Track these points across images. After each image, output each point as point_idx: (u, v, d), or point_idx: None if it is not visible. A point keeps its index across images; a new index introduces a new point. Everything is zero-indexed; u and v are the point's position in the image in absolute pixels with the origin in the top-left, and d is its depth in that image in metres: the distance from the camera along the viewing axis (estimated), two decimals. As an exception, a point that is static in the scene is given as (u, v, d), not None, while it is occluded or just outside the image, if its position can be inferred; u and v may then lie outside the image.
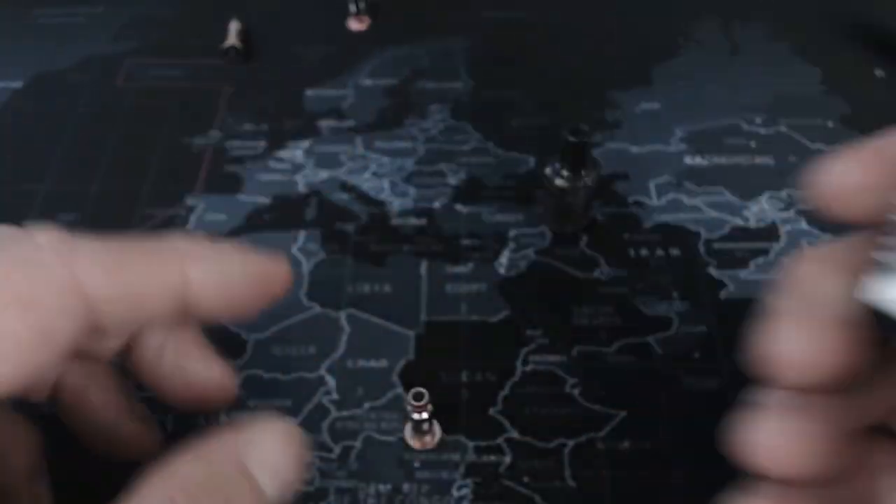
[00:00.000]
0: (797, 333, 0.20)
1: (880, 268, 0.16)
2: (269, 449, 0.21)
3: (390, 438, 0.30)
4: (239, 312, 0.23)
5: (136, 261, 0.21)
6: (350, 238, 0.37)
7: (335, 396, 0.31)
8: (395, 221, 0.38)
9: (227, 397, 0.25)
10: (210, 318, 0.23)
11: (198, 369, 0.24)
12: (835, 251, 0.20)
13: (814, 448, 0.20)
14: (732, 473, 0.29)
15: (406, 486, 0.29)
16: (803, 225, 0.37)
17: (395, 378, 0.32)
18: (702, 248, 0.37)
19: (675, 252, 0.36)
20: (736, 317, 0.34)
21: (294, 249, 0.37)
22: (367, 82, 0.45)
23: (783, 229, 0.37)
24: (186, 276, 0.21)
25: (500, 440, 0.30)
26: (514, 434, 0.30)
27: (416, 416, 0.27)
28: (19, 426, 0.23)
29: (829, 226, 0.37)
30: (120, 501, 0.18)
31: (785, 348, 0.20)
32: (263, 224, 0.38)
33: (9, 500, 0.23)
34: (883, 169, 0.18)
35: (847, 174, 0.19)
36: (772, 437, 0.21)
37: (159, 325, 0.23)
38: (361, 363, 0.33)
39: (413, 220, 0.38)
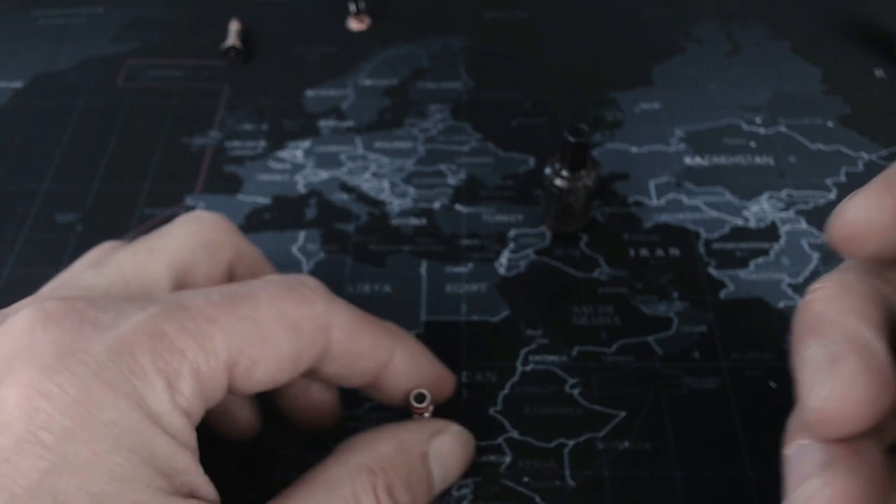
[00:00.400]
0: (847, 384, 0.19)
1: None
2: (448, 447, 0.26)
3: (390, 438, 0.30)
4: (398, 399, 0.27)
5: (368, 329, 0.25)
6: (350, 238, 0.37)
7: (335, 396, 0.31)
8: (395, 221, 0.38)
9: (335, 421, 0.29)
10: (390, 399, 0.27)
11: (321, 392, 0.28)
12: (845, 286, 0.20)
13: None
14: (732, 473, 0.29)
15: (406, 486, 0.29)
16: (803, 225, 0.37)
17: (395, 378, 0.32)
18: (702, 248, 0.37)
19: (674, 252, 0.36)
20: (736, 317, 0.34)
21: (294, 249, 0.37)
22: (367, 82, 0.45)
23: (783, 229, 0.37)
24: (393, 356, 0.26)
25: (500, 440, 0.30)
26: (514, 434, 0.30)
27: (417, 417, 0.27)
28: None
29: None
30: (328, 460, 0.23)
31: (839, 405, 0.19)
32: (263, 224, 0.38)
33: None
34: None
35: (863, 215, 0.19)
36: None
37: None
38: (361, 363, 0.33)
39: (413, 220, 0.38)
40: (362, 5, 0.48)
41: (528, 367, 0.32)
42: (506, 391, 0.32)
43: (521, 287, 0.35)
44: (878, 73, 0.45)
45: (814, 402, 0.19)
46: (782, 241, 0.37)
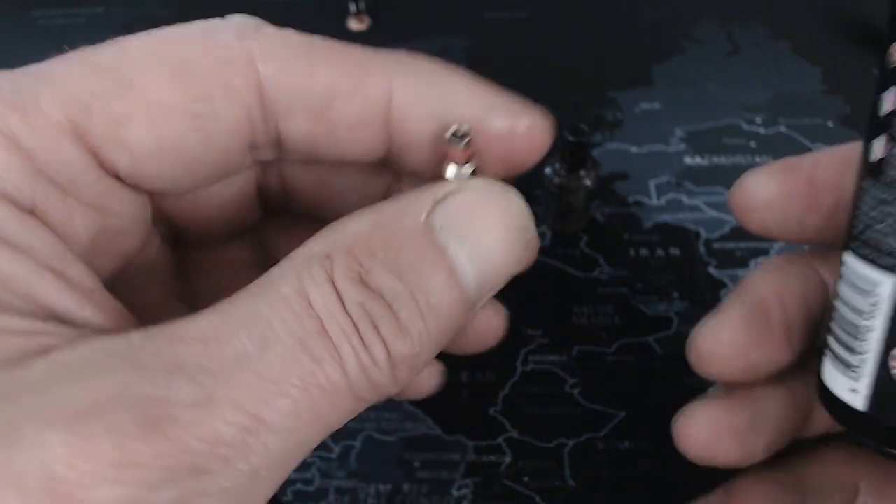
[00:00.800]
0: (723, 329, 0.20)
1: (826, 354, 0.17)
2: (471, 209, 0.16)
3: (390, 438, 0.30)
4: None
5: (330, 55, 0.17)
6: (350, 238, 0.37)
7: (335, 396, 0.31)
8: (395, 221, 0.38)
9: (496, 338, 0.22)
10: (416, 161, 0.18)
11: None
12: (781, 263, 0.21)
13: (741, 439, 0.20)
14: (731, 473, 0.29)
15: (406, 486, 0.29)
16: (803, 225, 0.37)
17: (395, 378, 0.32)
18: (702, 248, 0.37)
19: (674, 252, 0.36)
20: (736, 317, 0.34)
21: (294, 249, 0.37)
22: (367, 82, 0.45)
23: (783, 229, 0.37)
24: (389, 92, 0.17)
25: (500, 440, 0.30)
26: (514, 434, 0.30)
27: (452, 171, 0.18)
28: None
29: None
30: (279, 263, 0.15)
31: (708, 342, 0.20)
32: (263, 224, 0.38)
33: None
34: (795, 187, 0.19)
35: (760, 188, 0.20)
36: (701, 427, 0.22)
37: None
38: (361, 363, 0.33)
39: (413, 220, 0.38)
40: (362, 5, 0.48)
41: (528, 367, 0.32)
42: (506, 391, 0.32)
43: (521, 287, 0.35)
44: (878, 73, 0.45)
45: (690, 339, 0.21)
46: (782, 241, 0.37)
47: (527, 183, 0.40)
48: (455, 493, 0.28)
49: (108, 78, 0.16)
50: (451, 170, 0.17)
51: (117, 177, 0.16)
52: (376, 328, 0.15)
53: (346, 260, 0.15)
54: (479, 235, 0.16)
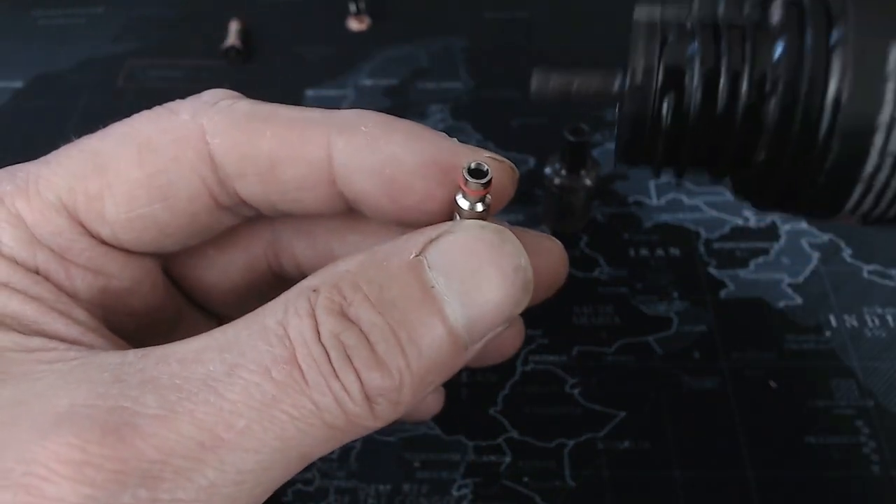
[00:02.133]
0: None
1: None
2: (465, 249, 0.16)
3: (390, 438, 0.30)
4: (407, 209, 0.18)
5: (271, 125, 0.18)
6: (350, 238, 0.37)
7: (335, 396, 0.31)
8: (395, 221, 0.38)
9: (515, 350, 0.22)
10: (374, 212, 0.19)
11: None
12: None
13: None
14: (732, 473, 0.29)
15: (406, 486, 0.29)
16: (803, 224, 0.37)
17: (395, 378, 0.32)
18: (702, 248, 0.37)
19: (674, 252, 0.36)
20: (736, 317, 0.34)
21: (294, 249, 0.37)
22: (367, 82, 0.45)
23: (783, 229, 0.37)
24: (329, 151, 0.18)
25: (500, 440, 0.30)
26: (514, 434, 0.30)
27: (469, 214, 0.18)
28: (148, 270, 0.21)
29: (828, 226, 0.37)
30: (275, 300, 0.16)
31: None
32: (263, 224, 0.38)
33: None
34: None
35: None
36: None
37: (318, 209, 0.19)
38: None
39: (413, 220, 0.38)
40: (362, 5, 0.48)
41: (528, 367, 0.32)
42: (506, 391, 0.32)
43: (521, 287, 0.35)
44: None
45: None
46: (782, 241, 0.37)
47: (527, 183, 0.40)
48: (455, 493, 0.28)
49: (88, 161, 0.18)
50: (463, 202, 0.17)
51: (106, 243, 0.19)
52: (349, 358, 0.15)
53: (330, 292, 0.15)
54: (471, 276, 0.16)
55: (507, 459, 0.29)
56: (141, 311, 0.21)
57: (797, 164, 0.16)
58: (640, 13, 0.19)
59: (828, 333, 0.33)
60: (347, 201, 0.19)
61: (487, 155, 0.18)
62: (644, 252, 0.36)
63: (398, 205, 0.18)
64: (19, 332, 0.17)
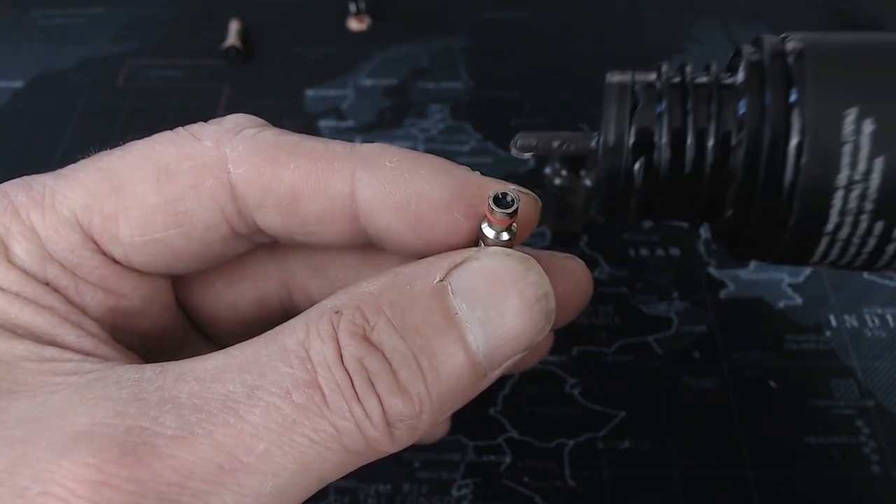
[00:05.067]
0: None
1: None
2: (488, 276, 0.16)
3: (390, 438, 0.30)
4: (431, 244, 0.18)
5: (294, 157, 0.18)
6: (350, 238, 0.37)
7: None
8: (395, 221, 0.38)
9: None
10: (396, 246, 0.18)
11: None
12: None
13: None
14: (732, 473, 0.29)
15: (406, 486, 0.29)
16: (803, 225, 0.37)
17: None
18: (702, 248, 0.37)
19: (675, 252, 0.36)
20: (736, 317, 0.34)
21: (294, 249, 0.37)
22: (367, 82, 0.45)
23: (783, 229, 0.37)
24: (353, 186, 0.18)
25: (500, 440, 0.30)
26: (514, 434, 0.30)
27: (495, 241, 0.17)
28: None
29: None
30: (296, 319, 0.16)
31: None
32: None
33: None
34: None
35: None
36: None
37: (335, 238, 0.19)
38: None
39: (413, 220, 0.38)
40: (362, 5, 0.48)
41: (529, 367, 0.32)
42: (506, 391, 0.32)
43: (521, 287, 0.35)
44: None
45: None
46: (782, 241, 0.37)
47: (527, 183, 0.40)
48: (455, 493, 0.28)
49: (106, 180, 0.18)
50: (488, 231, 0.17)
51: (118, 262, 0.19)
52: (372, 384, 0.15)
53: (353, 315, 0.15)
54: (494, 303, 0.16)
55: (507, 459, 0.29)
56: (149, 332, 0.21)
57: (763, 221, 0.17)
58: (613, 76, 0.20)
59: (828, 333, 0.33)
60: (368, 236, 0.19)
61: (513, 187, 0.18)
62: (644, 252, 0.36)
63: (423, 240, 0.18)
64: (33, 342, 0.17)
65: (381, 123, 0.43)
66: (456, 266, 0.16)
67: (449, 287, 0.16)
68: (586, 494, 0.29)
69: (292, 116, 0.43)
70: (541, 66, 0.46)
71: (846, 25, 0.48)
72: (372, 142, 0.43)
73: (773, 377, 0.32)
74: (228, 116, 0.20)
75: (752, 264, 0.36)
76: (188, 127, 0.19)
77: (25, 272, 0.17)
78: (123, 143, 0.20)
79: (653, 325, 0.34)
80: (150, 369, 0.16)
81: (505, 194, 0.16)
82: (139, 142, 0.19)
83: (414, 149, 0.41)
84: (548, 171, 0.35)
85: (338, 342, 0.15)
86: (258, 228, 0.19)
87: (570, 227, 0.37)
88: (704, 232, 0.37)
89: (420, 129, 0.42)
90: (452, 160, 0.39)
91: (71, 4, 0.51)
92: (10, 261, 0.17)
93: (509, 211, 0.16)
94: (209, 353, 0.20)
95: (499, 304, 0.16)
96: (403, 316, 0.15)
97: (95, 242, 0.18)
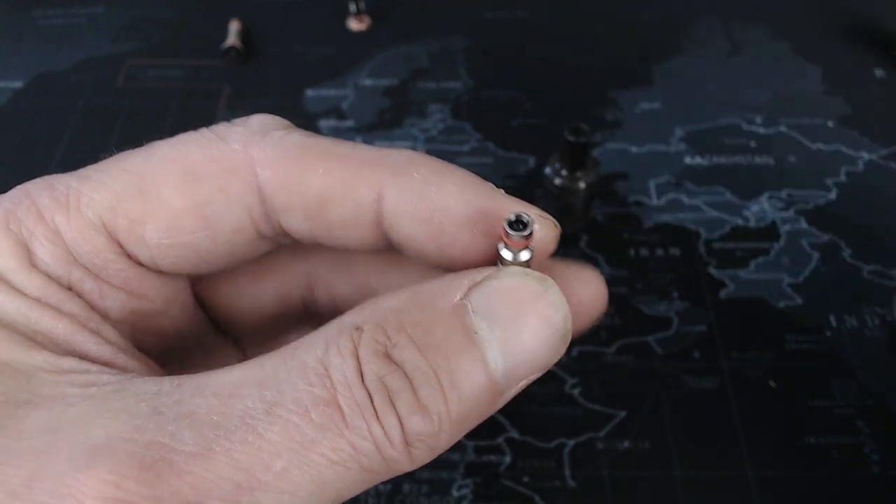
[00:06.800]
0: None
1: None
2: (509, 295, 0.16)
3: (390, 438, 0.30)
4: (451, 256, 0.18)
5: (323, 161, 0.18)
6: (350, 238, 0.37)
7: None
8: (395, 221, 0.38)
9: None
10: (417, 255, 0.18)
11: None
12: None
13: None
14: (732, 473, 0.29)
15: (406, 486, 0.29)
16: (803, 224, 0.37)
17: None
18: (702, 248, 0.37)
19: (675, 252, 0.36)
20: (736, 317, 0.34)
21: (294, 249, 0.37)
22: (367, 82, 0.45)
23: (783, 229, 0.37)
24: (378, 197, 0.18)
25: (500, 440, 0.30)
26: (514, 434, 0.30)
27: (509, 263, 0.17)
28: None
29: (829, 226, 0.37)
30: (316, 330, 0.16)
31: None
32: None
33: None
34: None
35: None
36: None
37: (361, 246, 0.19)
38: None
39: (413, 220, 0.38)
40: (362, 5, 0.48)
41: (528, 367, 0.32)
42: (506, 391, 0.32)
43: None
44: (878, 73, 0.45)
45: None
46: (782, 241, 0.37)
47: (527, 183, 0.40)
48: (455, 493, 0.28)
49: (131, 182, 0.18)
50: (505, 253, 0.17)
51: (143, 265, 0.19)
52: (392, 403, 0.15)
53: (375, 332, 0.15)
54: (513, 323, 0.16)
55: (507, 459, 0.29)
56: (169, 331, 0.21)
57: None
58: None
59: (828, 333, 0.33)
60: (391, 242, 0.19)
61: (535, 211, 0.17)
62: (644, 252, 0.36)
63: (444, 253, 0.18)
64: (51, 350, 0.16)
65: (381, 123, 0.43)
66: (476, 284, 0.16)
67: (469, 305, 0.16)
68: (586, 494, 0.29)
69: (292, 116, 0.43)
70: (541, 66, 0.46)
71: (847, 26, 0.48)
72: (372, 142, 0.43)
73: (773, 377, 0.32)
74: (253, 117, 0.19)
75: (752, 264, 0.36)
76: (213, 128, 0.19)
77: (48, 276, 0.17)
78: (146, 143, 0.20)
79: (653, 325, 0.34)
80: (168, 382, 0.16)
81: (520, 218, 0.16)
82: (163, 142, 0.19)
83: (414, 149, 0.42)
84: (548, 171, 0.35)
85: (358, 360, 0.15)
86: (283, 231, 0.19)
87: (570, 227, 0.37)
88: (705, 232, 0.37)
89: (420, 129, 0.42)
90: (452, 160, 0.39)
91: (71, 4, 0.51)
92: (33, 264, 0.17)
93: (524, 234, 0.16)
94: (225, 348, 0.19)
95: (517, 323, 0.16)
96: (424, 334, 0.15)
97: (120, 245, 0.18)
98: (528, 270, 0.17)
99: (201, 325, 0.22)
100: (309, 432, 0.15)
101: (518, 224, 0.16)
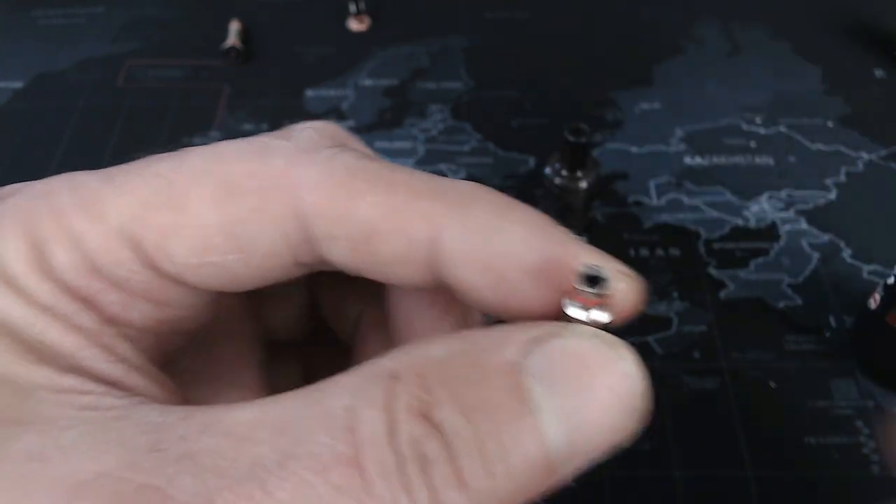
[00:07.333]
0: None
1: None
2: (567, 363, 0.14)
3: (390, 438, 0.30)
4: (510, 307, 0.16)
5: (372, 187, 0.16)
6: (350, 238, 0.37)
7: (335, 396, 0.31)
8: (395, 221, 0.38)
9: None
10: (470, 300, 0.17)
11: None
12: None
13: None
14: (732, 473, 0.29)
15: (406, 486, 0.29)
16: (803, 225, 0.37)
17: (395, 378, 0.32)
18: (702, 248, 0.37)
19: (675, 252, 0.36)
20: (736, 317, 0.34)
21: (294, 249, 0.37)
22: (367, 82, 0.45)
23: (783, 229, 0.37)
24: (433, 236, 0.16)
25: (500, 440, 0.30)
26: (514, 434, 0.30)
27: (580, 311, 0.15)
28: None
29: (829, 226, 0.37)
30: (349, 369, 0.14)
31: None
32: (263, 224, 0.38)
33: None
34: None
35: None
36: None
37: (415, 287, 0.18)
38: (361, 363, 0.32)
39: (413, 220, 0.38)
40: (362, 5, 0.48)
41: (528, 367, 0.32)
42: (506, 391, 0.32)
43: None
44: (878, 73, 0.45)
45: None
46: (782, 241, 0.37)
47: (527, 183, 0.40)
48: (455, 493, 0.28)
49: (161, 191, 0.16)
50: (573, 311, 0.15)
51: (168, 277, 0.17)
52: (426, 472, 0.13)
53: (413, 385, 0.13)
54: (577, 392, 0.14)
55: (507, 459, 0.29)
56: (193, 331, 0.19)
57: None
58: None
59: (827, 334, 0.33)
60: (441, 282, 0.17)
61: (614, 266, 0.15)
62: (644, 252, 0.36)
63: (501, 301, 0.16)
64: (54, 366, 0.15)
65: (381, 123, 0.43)
66: (535, 341, 0.14)
67: (526, 365, 0.14)
68: (586, 494, 0.29)
69: (292, 116, 0.43)
70: (541, 66, 0.46)
71: (847, 26, 0.48)
72: (371, 142, 0.43)
73: (773, 377, 0.32)
74: (306, 128, 0.18)
75: (752, 264, 0.36)
76: (258, 138, 0.17)
77: (64, 285, 0.16)
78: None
79: (653, 325, 0.34)
80: (176, 413, 0.14)
81: (597, 272, 0.14)
82: (198, 149, 0.17)
83: (413, 149, 0.42)
84: (548, 171, 0.35)
85: (391, 415, 0.13)
86: (324, 260, 0.17)
87: (570, 227, 0.37)
88: (705, 232, 0.37)
89: (420, 129, 0.42)
90: (452, 160, 0.40)
91: (71, 4, 0.51)
92: (47, 271, 0.16)
93: (597, 292, 0.14)
94: (246, 340, 0.18)
95: (584, 393, 0.14)
96: (472, 393, 0.13)
97: (146, 256, 0.17)
98: (598, 331, 0.14)
99: (253, 335, 0.20)
100: (325, 495, 0.13)
101: (591, 280, 0.14)
